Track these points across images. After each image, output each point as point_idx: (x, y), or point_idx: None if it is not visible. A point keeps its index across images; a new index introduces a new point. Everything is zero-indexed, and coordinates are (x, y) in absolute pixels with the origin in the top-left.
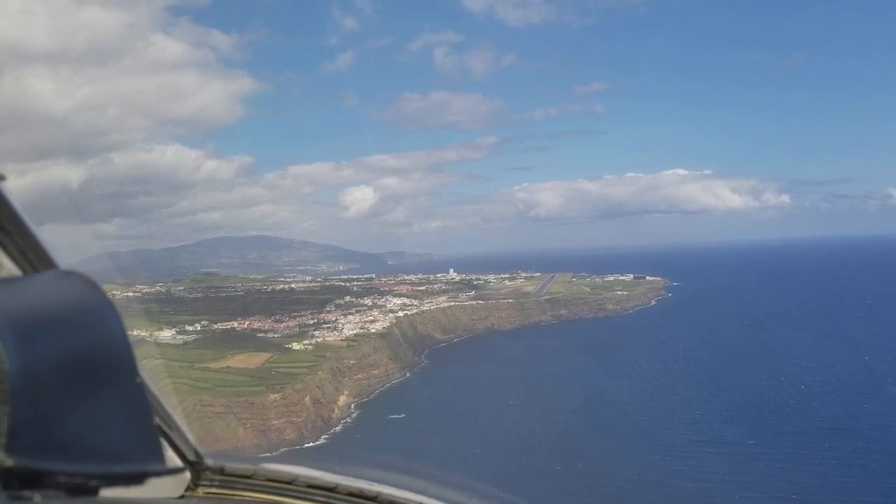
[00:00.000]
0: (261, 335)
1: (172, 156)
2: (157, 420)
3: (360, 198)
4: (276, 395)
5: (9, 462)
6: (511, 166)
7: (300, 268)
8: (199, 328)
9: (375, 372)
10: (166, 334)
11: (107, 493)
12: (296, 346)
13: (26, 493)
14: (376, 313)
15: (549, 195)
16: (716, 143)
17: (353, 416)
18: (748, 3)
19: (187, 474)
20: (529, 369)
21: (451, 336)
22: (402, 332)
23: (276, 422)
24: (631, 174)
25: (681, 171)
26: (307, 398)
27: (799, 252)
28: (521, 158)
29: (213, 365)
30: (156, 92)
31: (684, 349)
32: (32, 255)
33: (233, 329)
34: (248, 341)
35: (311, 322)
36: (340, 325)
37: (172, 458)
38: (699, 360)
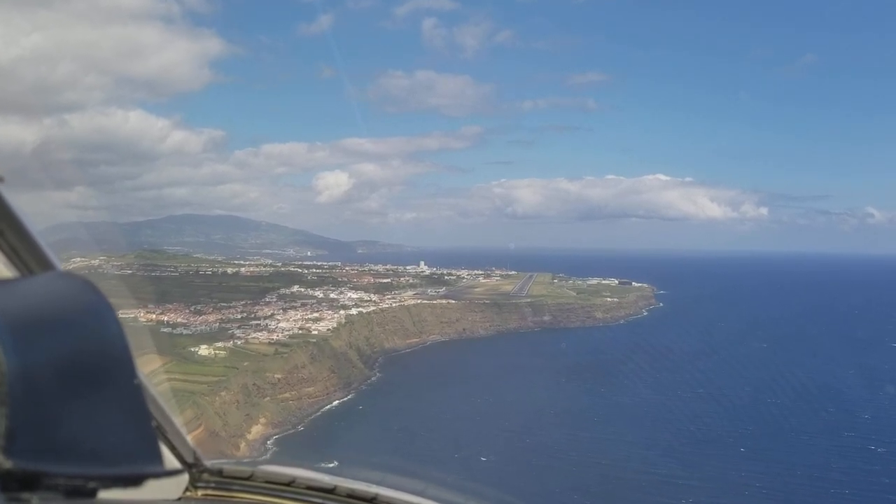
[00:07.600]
0: (165, 331)
1: (136, 122)
2: (155, 422)
3: (334, 183)
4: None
5: (7, 464)
6: (493, 160)
7: (266, 251)
8: None
9: (310, 390)
10: None
11: (105, 494)
12: (204, 350)
13: (25, 495)
14: (325, 309)
15: (527, 192)
16: (699, 150)
17: (269, 454)
18: (747, 12)
19: (185, 476)
20: (509, 399)
21: (414, 342)
22: (351, 335)
23: None
24: (611, 176)
25: (662, 177)
26: (201, 428)
27: (782, 266)
28: (503, 152)
29: None
30: (113, 46)
31: (701, 381)
32: (28, 257)
33: (134, 320)
34: (144, 339)
35: (239, 316)
36: (275, 324)
37: (171, 460)
38: (728, 400)
